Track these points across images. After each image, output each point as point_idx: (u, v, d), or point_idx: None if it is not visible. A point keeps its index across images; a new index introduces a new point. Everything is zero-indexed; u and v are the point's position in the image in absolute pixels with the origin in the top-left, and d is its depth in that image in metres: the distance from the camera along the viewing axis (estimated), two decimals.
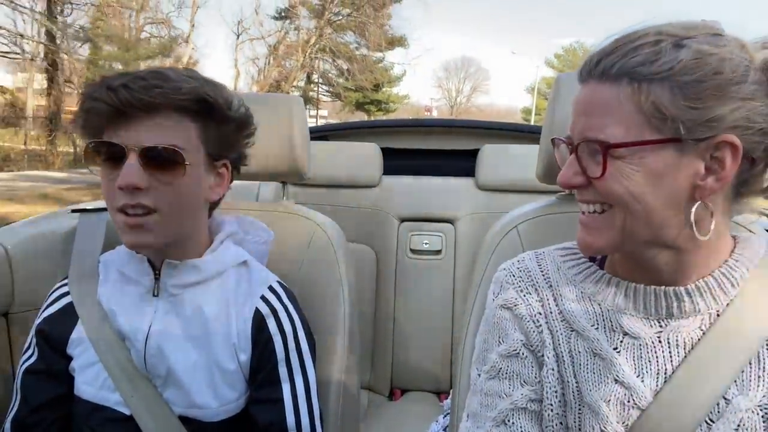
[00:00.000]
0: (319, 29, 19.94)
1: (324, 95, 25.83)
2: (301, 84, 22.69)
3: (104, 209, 1.10)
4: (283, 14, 21.24)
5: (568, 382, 0.64)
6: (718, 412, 0.58)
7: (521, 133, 2.25)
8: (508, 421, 0.65)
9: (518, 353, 0.68)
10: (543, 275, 0.71)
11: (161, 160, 0.75)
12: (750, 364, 0.59)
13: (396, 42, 22.86)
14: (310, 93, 23.36)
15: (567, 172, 0.62)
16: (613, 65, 0.57)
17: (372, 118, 16.31)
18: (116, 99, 0.72)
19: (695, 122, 0.54)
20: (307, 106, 22.20)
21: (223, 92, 0.81)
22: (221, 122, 0.82)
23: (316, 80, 24.09)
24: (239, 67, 21.31)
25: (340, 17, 20.42)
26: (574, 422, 0.63)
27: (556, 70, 32.26)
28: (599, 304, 0.66)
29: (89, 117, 0.75)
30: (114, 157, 0.75)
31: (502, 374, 0.68)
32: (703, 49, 0.54)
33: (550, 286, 0.70)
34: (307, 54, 20.15)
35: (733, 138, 0.54)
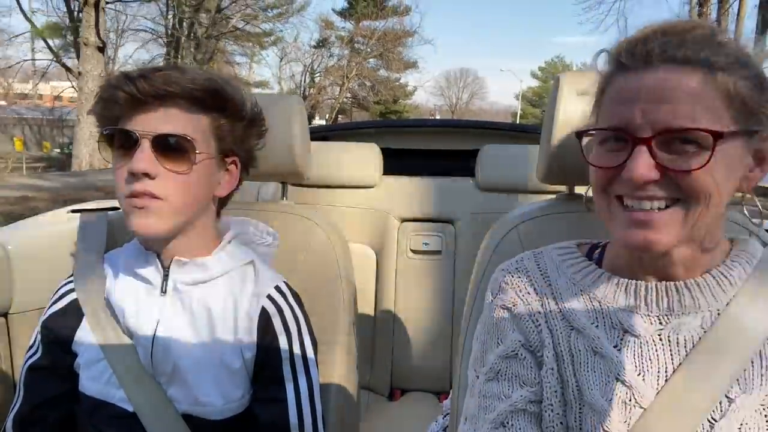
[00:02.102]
0: (358, 63, 27.15)
1: (354, 107, 33.41)
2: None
3: (103, 209, 1.10)
4: (319, 44, 28.85)
5: (567, 381, 0.64)
6: (721, 411, 0.58)
7: (521, 133, 2.25)
8: (507, 423, 0.64)
9: (517, 354, 0.67)
10: (542, 274, 0.71)
11: (172, 148, 0.77)
12: (752, 363, 0.59)
13: (410, 66, 31.15)
14: (344, 105, 30.64)
15: (642, 166, 0.55)
16: (696, 51, 0.55)
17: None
18: (134, 87, 0.75)
19: (765, 114, 0.56)
20: (342, 116, 31.24)
21: (237, 90, 0.84)
22: (233, 118, 0.84)
23: (348, 96, 31.80)
24: (282, 83, 28.11)
25: (369, 49, 27.54)
26: (575, 422, 0.63)
27: (539, 81, 40.65)
28: (599, 302, 0.65)
29: (107, 105, 0.78)
30: (127, 144, 0.76)
31: (501, 376, 0.67)
32: (743, 46, 0.57)
33: (549, 285, 0.70)
34: (347, 80, 27.24)
35: None
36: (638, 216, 0.57)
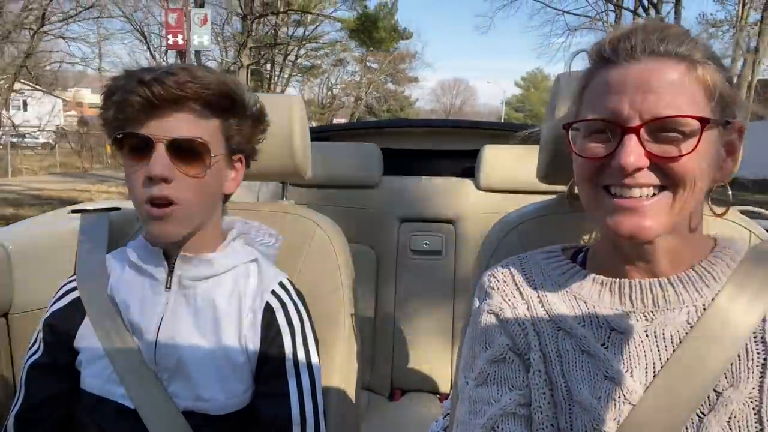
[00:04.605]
0: (373, 82, 32.69)
1: (367, 115, 38.30)
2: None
3: (104, 209, 1.10)
4: (336, 63, 33.57)
5: (556, 382, 0.64)
6: (710, 405, 0.58)
7: (521, 133, 2.24)
8: (497, 427, 0.64)
9: (505, 358, 0.67)
10: (527, 278, 0.72)
11: (188, 152, 0.77)
12: (739, 356, 0.59)
13: (413, 80, 38.35)
14: (359, 114, 35.24)
15: (632, 153, 0.57)
16: (676, 45, 0.58)
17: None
18: (149, 92, 0.75)
19: (735, 107, 0.60)
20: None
21: (243, 90, 0.85)
22: (241, 117, 0.85)
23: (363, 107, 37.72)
24: (302, 95, 31.12)
25: (381, 68, 33.17)
26: (566, 423, 0.63)
27: (522, 89, 47.94)
28: (585, 302, 0.66)
29: (120, 108, 0.77)
30: (141, 148, 0.77)
31: (490, 380, 0.67)
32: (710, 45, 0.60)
33: (535, 288, 0.71)
34: (365, 94, 33.10)
35: (742, 124, 0.60)
36: (627, 203, 0.59)
